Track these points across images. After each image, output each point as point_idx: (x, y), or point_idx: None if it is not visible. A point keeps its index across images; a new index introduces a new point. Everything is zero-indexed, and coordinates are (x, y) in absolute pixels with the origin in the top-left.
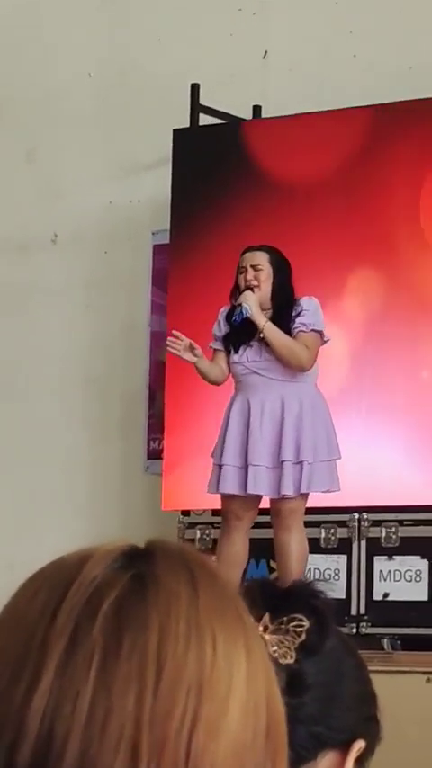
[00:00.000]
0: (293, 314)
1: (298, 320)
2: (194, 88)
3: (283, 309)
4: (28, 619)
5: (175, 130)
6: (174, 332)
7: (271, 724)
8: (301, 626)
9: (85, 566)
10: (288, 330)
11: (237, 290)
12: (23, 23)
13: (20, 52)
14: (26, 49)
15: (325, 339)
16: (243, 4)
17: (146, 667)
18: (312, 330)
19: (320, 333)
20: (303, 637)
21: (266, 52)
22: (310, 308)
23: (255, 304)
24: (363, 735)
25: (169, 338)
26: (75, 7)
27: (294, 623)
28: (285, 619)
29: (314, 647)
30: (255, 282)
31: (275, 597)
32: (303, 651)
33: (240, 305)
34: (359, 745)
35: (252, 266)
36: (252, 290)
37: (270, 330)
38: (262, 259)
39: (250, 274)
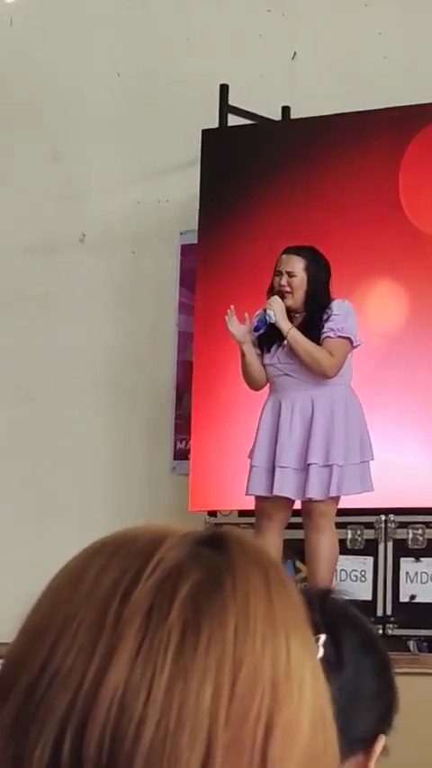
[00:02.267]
0: (324, 317)
1: (327, 325)
2: (223, 89)
3: (316, 314)
4: (99, 592)
5: (203, 131)
6: (232, 307)
7: (330, 739)
8: (315, 640)
9: (161, 545)
10: (319, 334)
11: (271, 291)
12: (51, 24)
13: (47, 52)
14: (54, 49)
15: (355, 344)
16: (272, 5)
17: (223, 664)
18: (340, 336)
19: (349, 339)
20: (321, 651)
21: (295, 53)
22: (340, 313)
23: (280, 310)
24: (384, 729)
25: (232, 313)
26: (103, 7)
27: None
28: None
29: (331, 662)
30: (287, 289)
31: None
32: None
33: (265, 311)
34: (381, 742)
35: (287, 272)
36: (282, 295)
37: (294, 337)
38: (297, 266)
39: (284, 280)
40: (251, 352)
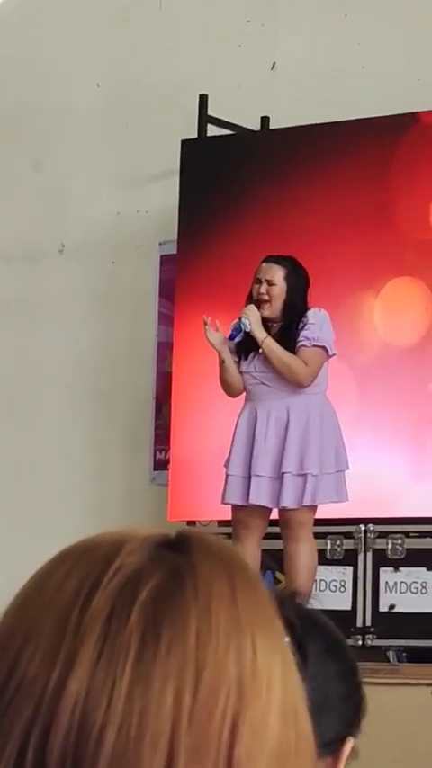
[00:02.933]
0: (300, 326)
1: (302, 334)
2: (203, 99)
3: (293, 324)
4: (60, 600)
5: (183, 141)
6: (207, 318)
7: (303, 736)
8: None
9: (121, 551)
10: (295, 343)
11: (250, 299)
12: (32, 34)
13: (28, 63)
14: (34, 59)
15: (331, 353)
16: (251, 16)
17: (185, 667)
18: (315, 345)
19: (324, 348)
20: None
21: (275, 63)
22: (315, 322)
23: (255, 319)
24: (351, 732)
25: (208, 322)
26: (84, 18)
27: None
28: None
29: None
30: (265, 297)
31: None
32: None
33: (240, 319)
34: (350, 744)
35: (267, 280)
36: (260, 304)
37: (269, 346)
38: (277, 274)
39: (263, 288)
40: (230, 360)
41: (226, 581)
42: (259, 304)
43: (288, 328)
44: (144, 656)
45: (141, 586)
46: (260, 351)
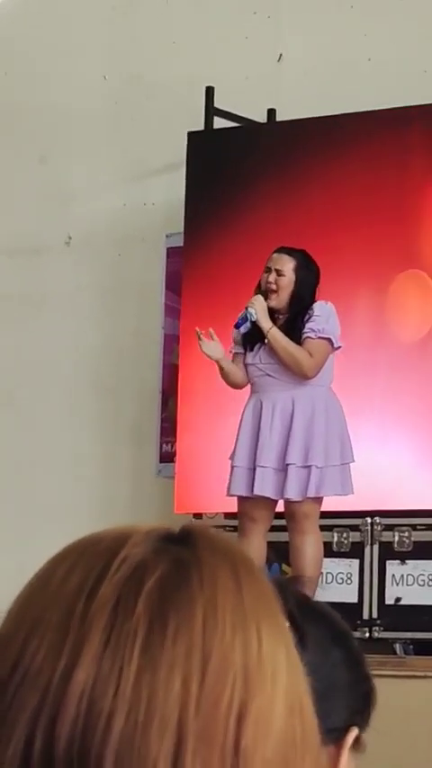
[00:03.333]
0: (306, 318)
1: (308, 325)
2: (209, 91)
3: (299, 316)
4: (65, 592)
5: (189, 133)
6: (199, 329)
7: (308, 726)
8: None
9: (126, 544)
10: (300, 335)
11: (259, 288)
12: (37, 27)
13: (34, 56)
14: (40, 52)
15: (336, 346)
16: (258, 8)
17: (191, 654)
18: (320, 337)
19: (330, 340)
20: None
21: (281, 55)
22: (321, 314)
23: (261, 309)
24: (356, 721)
25: (201, 334)
26: (89, 11)
27: None
28: None
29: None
30: (273, 287)
31: None
32: None
33: (246, 309)
34: (353, 734)
35: (276, 269)
36: (268, 293)
37: (274, 336)
38: (287, 265)
39: (272, 277)
40: (229, 365)
41: (231, 573)
42: (267, 293)
43: (294, 320)
44: (151, 644)
45: (147, 577)
46: (266, 341)
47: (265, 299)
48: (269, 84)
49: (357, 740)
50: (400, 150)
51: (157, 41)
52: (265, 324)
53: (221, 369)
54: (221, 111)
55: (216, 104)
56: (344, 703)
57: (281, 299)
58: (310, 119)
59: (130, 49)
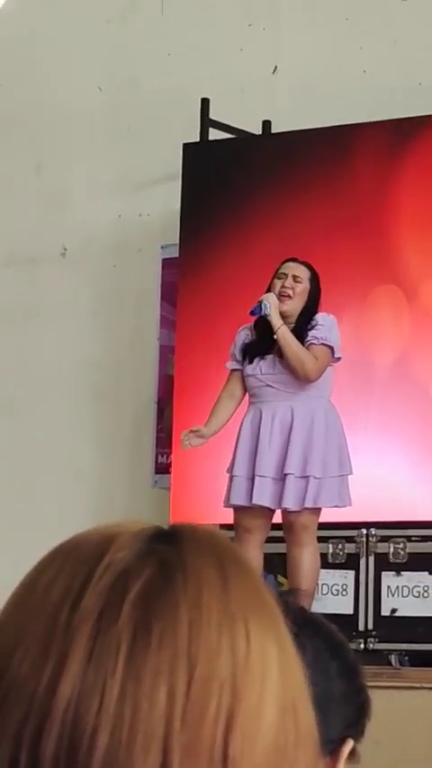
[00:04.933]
0: (308, 327)
1: (311, 333)
2: (204, 103)
3: (303, 325)
4: (49, 601)
5: (184, 144)
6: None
7: (304, 726)
8: None
9: (110, 548)
10: (303, 344)
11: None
12: (33, 37)
13: (30, 66)
14: (36, 63)
15: (336, 356)
16: (253, 20)
17: (177, 662)
18: (323, 344)
19: (331, 348)
20: None
21: (276, 67)
22: (324, 324)
23: (275, 306)
24: (352, 732)
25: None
26: (85, 22)
27: None
28: None
29: None
30: (290, 292)
31: None
32: None
33: (261, 301)
34: (349, 745)
35: (294, 276)
36: (281, 299)
37: (283, 334)
38: (303, 273)
39: (288, 282)
40: (212, 428)
41: (216, 569)
42: (280, 298)
43: (299, 329)
44: (135, 652)
45: (131, 583)
46: (274, 338)
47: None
48: (264, 95)
49: (353, 751)
50: (395, 161)
51: (153, 53)
52: (276, 321)
53: (185, 439)
54: (217, 122)
55: (211, 116)
56: (340, 714)
57: (294, 306)
58: (305, 131)
59: (125, 60)
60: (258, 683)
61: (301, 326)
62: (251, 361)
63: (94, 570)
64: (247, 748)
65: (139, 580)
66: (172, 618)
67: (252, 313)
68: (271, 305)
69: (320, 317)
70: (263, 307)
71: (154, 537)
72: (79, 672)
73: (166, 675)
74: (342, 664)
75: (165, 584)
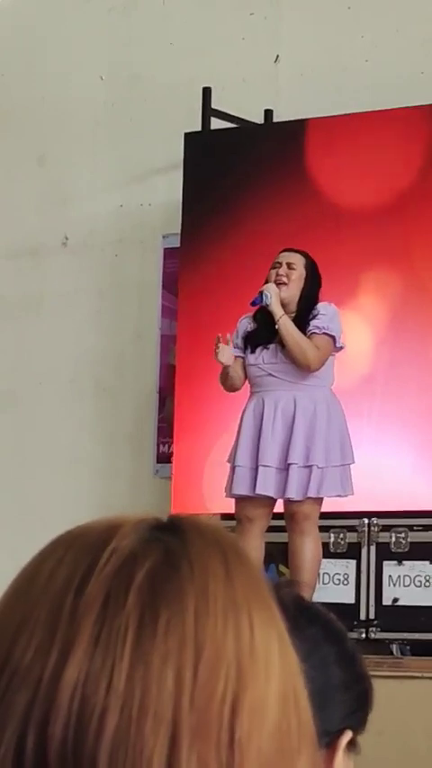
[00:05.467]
0: (310, 317)
1: (312, 323)
2: (206, 92)
3: (304, 315)
4: (53, 588)
5: (186, 134)
6: (219, 336)
7: (303, 715)
8: None
9: (114, 536)
10: (305, 333)
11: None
12: (35, 28)
13: (31, 57)
14: (38, 53)
15: (338, 346)
16: (255, 9)
17: (184, 647)
18: (325, 333)
19: (333, 338)
20: None
21: (278, 56)
22: (326, 313)
23: (275, 296)
24: (352, 722)
25: (221, 338)
26: (87, 12)
27: None
28: None
29: None
30: (284, 279)
31: None
32: None
33: (262, 291)
34: (347, 736)
35: (288, 263)
36: (278, 286)
37: (285, 324)
38: (298, 260)
39: (283, 270)
40: (234, 370)
41: (220, 560)
42: (277, 285)
43: (300, 318)
44: (143, 638)
45: (137, 570)
46: (276, 327)
47: None
48: (266, 85)
49: (353, 742)
50: (398, 151)
51: (155, 42)
52: (278, 310)
53: (227, 374)
54: (218, 111)
55: (213, 105)
56: (339, 702)
57: (291, 293)
58: (307, 120)
59: (127, 50)
60: (262, 670)
61: (302, 315)
62: (253, 351)
63: (98, 557)
64: (254, 731)
65: (144, 567)
66: (179, 605)
67: (253, 303)
68: (272, 294)
69: (321, 307)
70: (264, 297)
71: (157, 526)
72: (86, 657)
73: (174, 660)
74: (340, 651)
75: (171, 572)
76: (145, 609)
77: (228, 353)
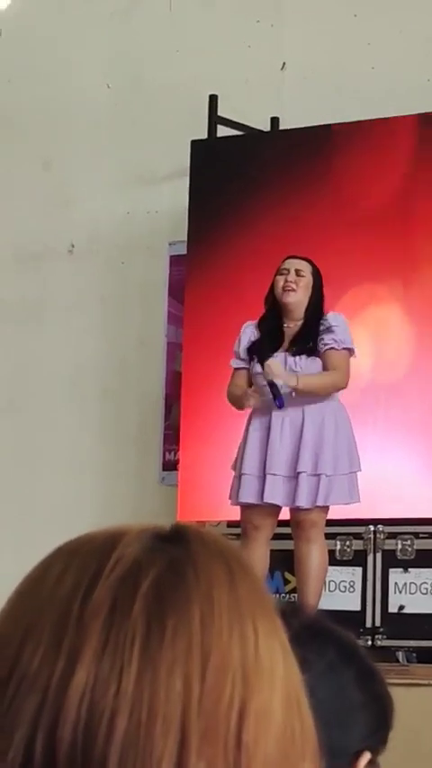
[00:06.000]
0: (321, 328)
1: (328, 337)
2: (212, 99)
3: (312, 322)
4: (60, 594)
5: (192, 141)
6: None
7: (306, 719)
8: None
9: (119, 543)
10: (314, 342)
11: (271, 293)
12: (40, 34)
13: (38, 63)
14: (44, 59)
15: (352, 356)
16: (261, 16)
17: (191, 653)
18: (344, 348)
19: (351, 350)
20: None
21: (284, 64)
22: (339, 325)
23: (280, 370)
24: (371, 742)
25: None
26: (93, 18)
27: None
28: None
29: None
30: (293, 286)
31: None
32: None
33: (273, 384)
34: (365, 758)
35: (296, 270)
36: (285, 293)
37: (305, 383)
38: (306, 268)
39: (291, 276)
40: (241, 386)
41: (224, 569)
42: (283, 293)
43: (308, 327)
44: (150, 644)
45: (142, 577)
46: (276, 355)
47: (282, 300)
48: (272, 92)
49: (372, 762)
50: (404, 158)
51: (161, 49)
52: (291, 381)
53: (240, 400)
54: (224, 119)
55: (219, 113)
56: (358, 724)
57: (299, 298)
58: (313, 127)
59: (133, 56)
60: (267, 676)
61: (310, 323)
62: (260, 362)
63: (104, 563)
64: (261, 736)
65: (150, 574)
66: (185, 612)
67: (279, 407)
68: (277, 374)
69: (333, 318)
70: (280, 388)
71: (160, 535)
72: (94, 662)
73: (182, 665)
74: (358, 672)
75: (176, 580)
76: (152, 616)
77: (256, 398)
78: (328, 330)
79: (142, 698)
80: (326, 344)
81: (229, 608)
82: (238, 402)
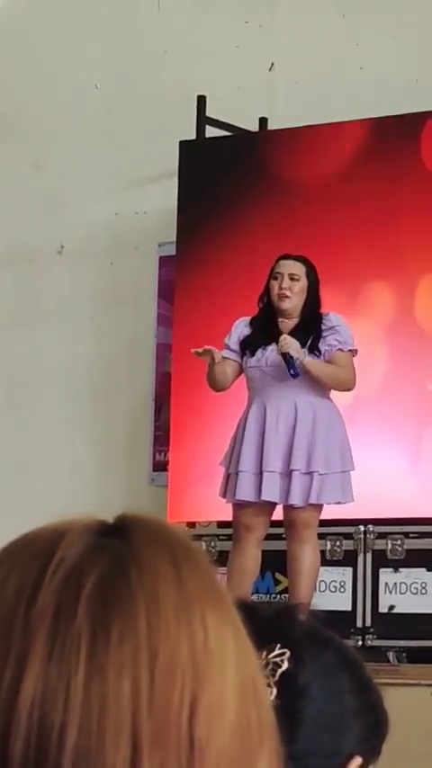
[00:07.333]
0: (323, 328)
1: (332, 338)
2: (201, 100)
3: (309, 321)
4: (4, 599)
5: (181, 142)
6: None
7: (263, 708)
8: (280, 656)
9: (60, 544)
10: (315, 342)
11: (265, 295)
12: (30, 36)
13: (27, 64)
14: (33, 60)
15: (353, 356)
16: (249, 17)
17: (138, 655)
18: (349, 350)
19: (354, 351)
20: (285, 666)
21: (273, 64)
22: (340, 325)
23: (295, 344)
24: (363, 750)
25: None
26: (82, 20)
27: (272, 655)
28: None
29: (295, 677)
30: (287, 293)
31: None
32: (285, 684)
33: (289, 356)
34: (355, 763)
35: (290, 275)
36: (281, 299)
37: (312, 364)
38: (300, 270)
39: (285, 282)
40: (220, 368)
41: (169, 561)
42: (279, 299)
43: (305, 324)
44: (96, 649)
45: (85, 579)
46: (272, 347)
47: (277, 305)
48: (261, 93)
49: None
50: (392, 158)
51: (150, 50)
52: (302, 356)
53: (213, 372)
54: (213, 120)
55: (208, 113)
56: (352, 730)
57: (294, 303)
58: (302, 128)
59: (122, 57)
60: (218, 667)
61: (306, 322)
62: (252, 354)
63: (45, 567)
64: (214, 729)
65: (92, 575)
66: (130, 612)
67: (294, 376)
68: (294, 349)
69: (334, 318)
70: (295, 360)
71: (103, 531)
72: (41, 671)
73: (129, 669)
74: (354, 680)
75: (119, 579)
76: (96, 619)
77: (218, 355)
78: (332, 331)
79: (91, 707)
80: (332, 346)
81: (175, 602)
82: (212, 379)
